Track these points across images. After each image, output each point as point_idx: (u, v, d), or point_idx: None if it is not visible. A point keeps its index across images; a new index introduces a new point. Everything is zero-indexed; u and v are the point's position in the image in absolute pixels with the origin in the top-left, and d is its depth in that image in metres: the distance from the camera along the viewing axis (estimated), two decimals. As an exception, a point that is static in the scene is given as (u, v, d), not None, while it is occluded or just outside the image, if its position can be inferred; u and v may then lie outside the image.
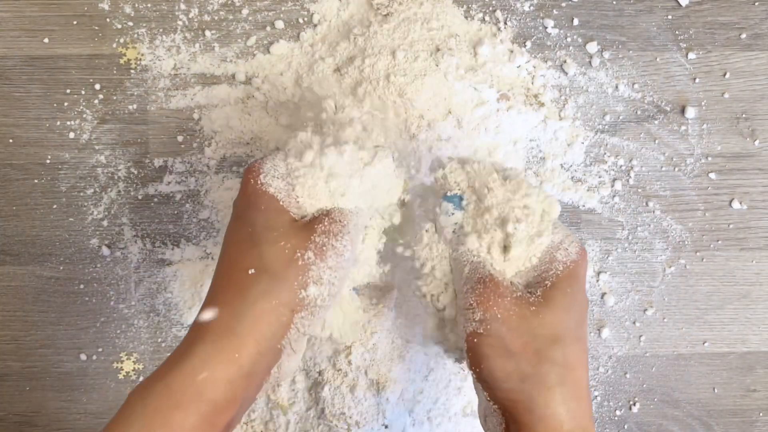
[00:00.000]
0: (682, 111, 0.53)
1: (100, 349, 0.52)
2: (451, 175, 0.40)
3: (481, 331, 0.35)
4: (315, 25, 0.52)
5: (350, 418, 0.49)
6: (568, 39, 0.53)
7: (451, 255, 0.39)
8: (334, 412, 0.49)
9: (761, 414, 0.54)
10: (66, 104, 0.52)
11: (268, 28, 0.52)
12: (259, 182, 0.36)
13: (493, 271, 0.36)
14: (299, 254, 0.34)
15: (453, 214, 0.39)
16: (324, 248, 0.35)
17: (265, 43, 0.52)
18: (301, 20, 0.52)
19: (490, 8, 0.52)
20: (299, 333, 0.35)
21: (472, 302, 0.35)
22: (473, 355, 0.35)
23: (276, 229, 0.35)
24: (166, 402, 0.31)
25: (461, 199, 0.39)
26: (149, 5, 0.52)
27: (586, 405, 0.34)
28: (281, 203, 0.36)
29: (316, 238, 0.35)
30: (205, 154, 0.52)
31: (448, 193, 0.40)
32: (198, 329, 0.34)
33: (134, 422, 0.31)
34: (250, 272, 0.34)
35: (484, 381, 0.35)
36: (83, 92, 0.52)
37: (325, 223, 0.35)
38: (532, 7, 0.53)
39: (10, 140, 0.52)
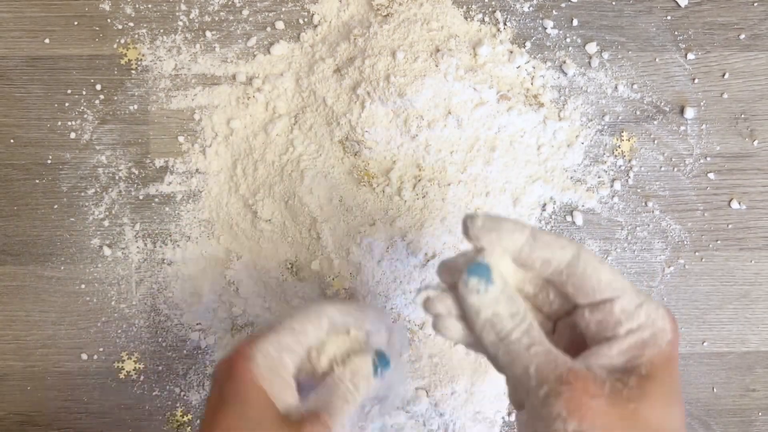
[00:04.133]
0: (681, 111, 0.53)
1: (101, 349, 0.53)
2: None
3: None
4: (315, 26, 0.52)
5: None
6: (568, 39, 0.53)
7: (491, 347, 0.31)
8: None
9: (760, 414, 0.54)
10: (67, 104, 0.52)
11: (269, 29, 0.53)
12: (250, 370, 0.35)
13: (565, 359, 0.29)
14: None
15: (487, 291, 0.30)
16: None
17: (266, 44, 0.52)
18: (301, 21, 0.53)
19: (490, 9, 0.53)
20: None
21: (561, 411, 0.28)
22: None
23: (265, 426, 0.34)
24: None
25: (489, 270, 0.30)
26: (150, 6, 0.52)
27: None
28: (271, 397, 0.34)
29: None
30: (206, 155, 0.52)
31: (472, 264, 0.30)
32: None
33: None
34: None
35: None
36: (84, 92, 0.52)
37: (315, 427, 0.34)
38: (531, 8, 0.53)
39: (11, 140, 0.52)
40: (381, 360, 0.39)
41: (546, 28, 0.53)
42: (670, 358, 0.29)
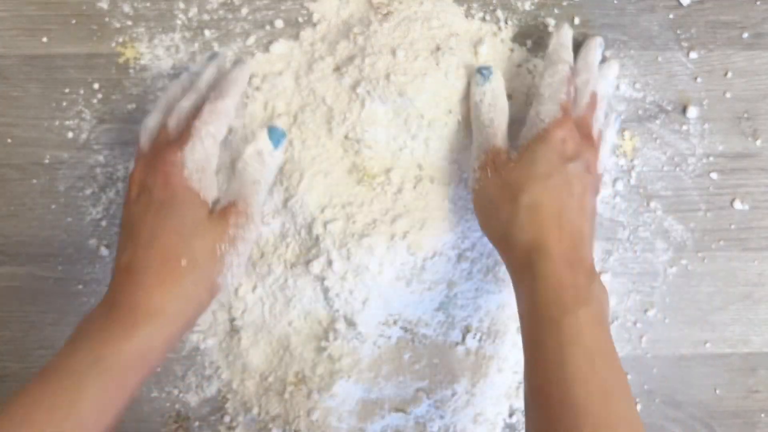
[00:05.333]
0: (684, 110, 0.53)
1: (98, 350, 0.52)
2: None
3: (477, 187, 0.45)
4: (315, 24, 0.52)
5: None
6: (569, 38, 0.52)
7: (473, 120, 0.48)
8: None
9: (763, 415, 0.54)
10: (64, 104, 0.52)
11: (268, 27, 0.52)
12: (184, 178, 0.42)
13: (498, 141, 0.45)
14: (218, 247, 0.42)
15: (480, 85, 0.47)
16: (235, 239, 0.43)
17: (265, 42, 0.52)
18: (300, 19, 0.52)
19: (491, 7, 0.52)
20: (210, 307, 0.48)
21: (476, 167, 0.45)
22: (476, 210, 0.46)
23: (200, 223, 0.42)
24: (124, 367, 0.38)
25: (490, 72, 0.47)
26: (148, 4, 0.52)
27: (554, 231, 0.41)
28: (201, 197, 0.43)
29: (230, 231, 0.43)
30: (205, 154, 0.52)
31: (482, 68, 0.48)
32: (133, 303, 0.40)
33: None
34: (183, 263, 0.41)
35: (486, 233, 0.45)
36: (82, 92, 0.52)
37: (233, 216, 0.43)
38: (532, 6, 0.52)
39: (9, 140, 0.52)
40: (274, 132, 0.47)
41: (547, 27, 0.52)
42: (542, 138, 0.43)
